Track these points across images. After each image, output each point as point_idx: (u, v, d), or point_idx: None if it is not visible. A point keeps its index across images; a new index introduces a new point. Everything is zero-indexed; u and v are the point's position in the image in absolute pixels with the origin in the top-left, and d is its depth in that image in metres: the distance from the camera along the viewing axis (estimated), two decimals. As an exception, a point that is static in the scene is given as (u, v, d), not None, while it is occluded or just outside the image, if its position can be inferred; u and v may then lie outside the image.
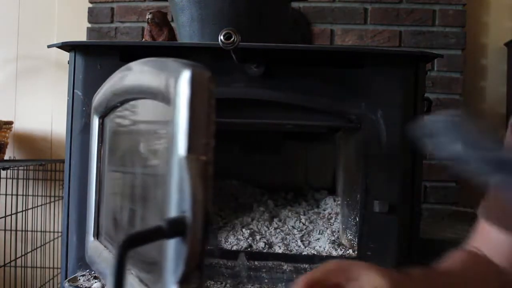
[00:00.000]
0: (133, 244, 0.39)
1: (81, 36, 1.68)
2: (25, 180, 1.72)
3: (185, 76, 0.41)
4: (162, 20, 1.16)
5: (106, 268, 0.71)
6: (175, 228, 0.39)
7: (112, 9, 1.70)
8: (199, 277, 0.38)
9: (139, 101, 0.62)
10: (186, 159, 0.39)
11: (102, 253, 0.74)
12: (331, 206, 1.28)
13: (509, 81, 1.66)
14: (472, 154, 0.39)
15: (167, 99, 0.45)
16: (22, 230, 1.66)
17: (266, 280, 1.02)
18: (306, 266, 1.02)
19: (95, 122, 0.83)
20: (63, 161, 1.24)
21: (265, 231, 1.16)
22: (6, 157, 1.63)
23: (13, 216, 1.61)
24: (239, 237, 1.12)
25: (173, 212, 0.40)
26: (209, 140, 0.41)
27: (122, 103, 0.72)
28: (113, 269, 0.37)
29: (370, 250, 1.01)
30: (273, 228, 1.18)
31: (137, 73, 0.61)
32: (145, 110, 0.59)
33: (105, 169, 0.80)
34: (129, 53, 1.03)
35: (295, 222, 1.21)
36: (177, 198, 0.40)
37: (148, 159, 0.61)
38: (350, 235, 1.10)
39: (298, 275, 1.02)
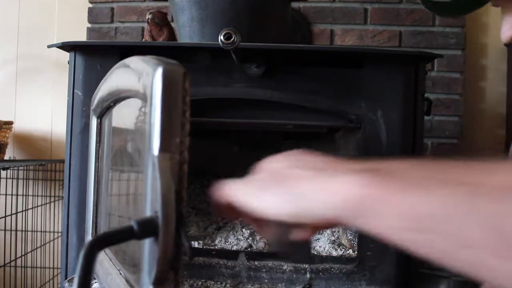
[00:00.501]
0: (101, 245, 0.38)
1: (81, 36, 1.68)
2: (25, 180, 1.72)
3: (158, 74, 0.40)
4: (162, 20, 1.16)
5: (99, 270, 0.71)
6: (146, 228, 0.38)
7: (112, 9, 1.70)
8: (174, 278, 0.37)
9: (128, 100, 0.62)
10: (159, 158, 0.38)
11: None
12: (331, 206, 1.28)
13: (509, 81, 1.66)
14: None
15: (145, 98, 0.45)
16: (22, 230, 1.66)
17: (266, 280, 1.02)
18: (306, 266, 1.02)
19: (94, 122, 0.84)
20: (63, 161, 1.24)
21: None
22: (6, 157, 1.63)
23: (13, 216, 1.61)
24: (239, 237, 1.12)
25: (147, 212, 0.40)
26: (184, 138, 0.40)
27: (115, 102, 0.71)
28: (79, 270, 0.36)
29: (370, 250, 1.01)
30: (273, 228, 1.18)
31: (123, 73, 0.61)
32: (133, 109, 0.59)
33: (103, 169, 0.80)
34: (129, 53, 1.03)
35: (295, 222, 1.21)
36: (151, 198, 0.39)
37: (135, 159, 0.61)
38: (350, 235, 1.10)
39: (298, 275, 1.02)
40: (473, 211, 0.30)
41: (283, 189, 0.39)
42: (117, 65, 0.65)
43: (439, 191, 0.32)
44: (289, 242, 0.41)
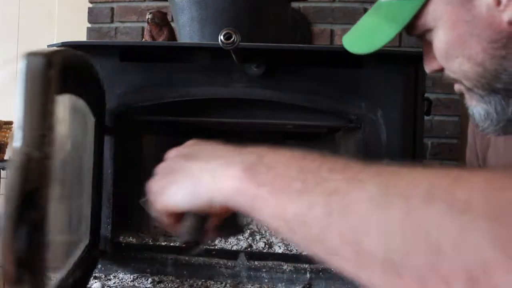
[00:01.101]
0: None
1: (81, 36, 1.68)
2: (25, 180, 1.72)
3: (22, 65, 0.38)
4: (162, 20, 1.16)
5: None
6: None
7: (112, 9, 1.70)
8: (31, 279, 0.36)
9: None
10: (15, 153, 0.37)
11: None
12: (331, 206, 1.28)
13: (509, 81, 1.66)
14: None
15: None
16: (22, 230, 1.66)
17: (266, 280, 1.02)
18: (306, 266, 1.02)
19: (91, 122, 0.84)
20: (63, 161, 1.24)
21: (265, 231, 1.16)
22: (6, 157, 1.63)
23: (13, 216, 1.61)
24: (239, 237, 1.12)
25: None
26: (46, 132, 0.37)
27: None
28: None
29: (370, 250, 1.01)
30: (273, 228, 1.18)
31: None
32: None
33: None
34: (129, 53, 1.03)
35: (295, 222, 1.21)
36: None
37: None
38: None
39: (298, 275, 1.02)
40: (335, 223, 0.31)
41: (180, 181, 0.41)
42: None
43: (311, 197, 0.33)
44: (199, 230, 0.42)
